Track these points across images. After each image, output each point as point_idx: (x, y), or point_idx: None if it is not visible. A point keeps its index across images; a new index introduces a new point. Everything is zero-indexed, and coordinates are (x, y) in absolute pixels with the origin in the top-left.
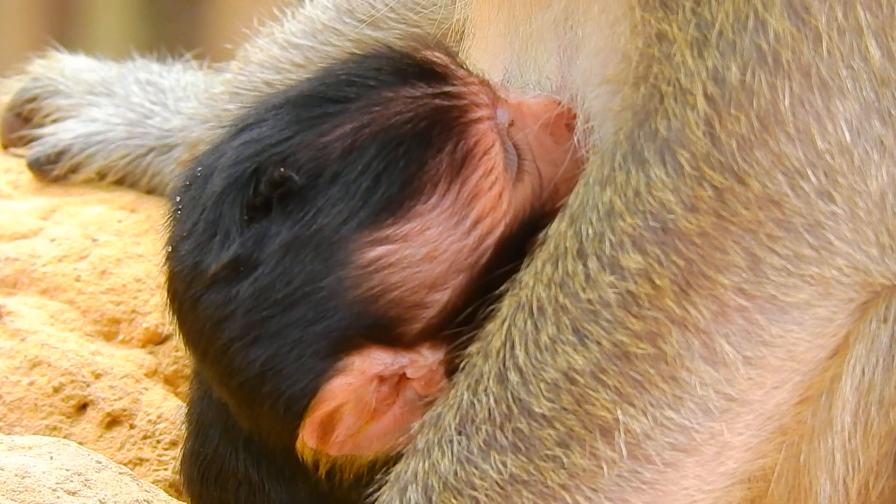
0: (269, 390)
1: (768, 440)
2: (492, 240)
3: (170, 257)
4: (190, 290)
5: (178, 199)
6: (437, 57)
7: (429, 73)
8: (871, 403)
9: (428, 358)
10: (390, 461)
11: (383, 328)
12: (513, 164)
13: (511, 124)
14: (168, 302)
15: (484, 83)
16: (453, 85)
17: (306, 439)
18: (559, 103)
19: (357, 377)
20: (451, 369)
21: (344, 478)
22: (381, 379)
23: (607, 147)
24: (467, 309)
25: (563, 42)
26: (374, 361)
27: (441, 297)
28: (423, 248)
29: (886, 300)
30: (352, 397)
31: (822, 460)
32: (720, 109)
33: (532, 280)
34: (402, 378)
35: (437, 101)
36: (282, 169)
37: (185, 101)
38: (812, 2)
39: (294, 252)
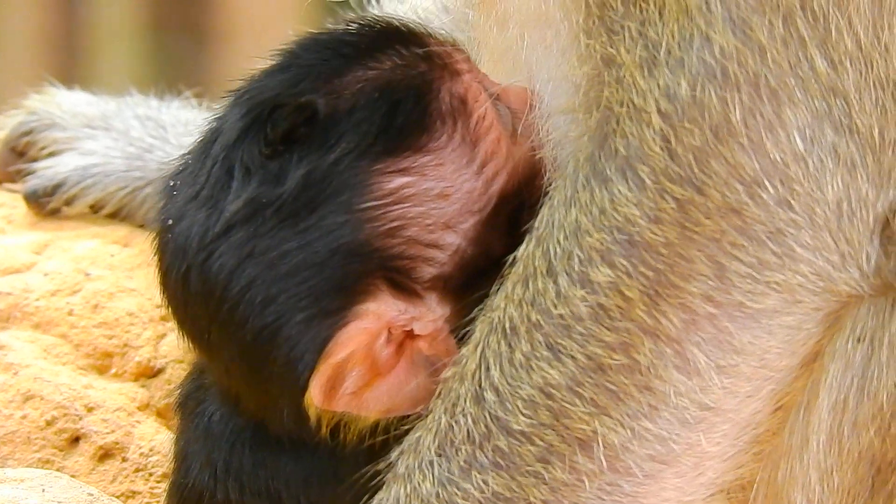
0: (285, 336)
1: (746, 450)
2: (497, 187)
3: (171, 228)
4: (202, 244)
5: (171, 182)
6: (413, 23)
7: (409, 35)
8: (844, 424)
9: (436, 311)
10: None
11: (399, 270)
12: (507, 121)
13: (497, 98)
14: (164, 278)
15: (457, 48)
16: (432, 45)
17: (314, 393)
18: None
19: (373, 321)
20: (455, 333)
21: (346, 442)
22: (390, 334)
23: (569, 170)
24: (471, 271)
25: (524, 70)
26: (388, 307)
27: (454, 241)
28: (440, 184)
29: (863, 320)
30: (364, 344)
31: (799, 480)
32: (675, 125)
33: (503, 302)
34: (408, 336)
35: (425, 55)
36: (302, 99)
37: (188, 137)
38: (752, 16)
39: (317, 182)
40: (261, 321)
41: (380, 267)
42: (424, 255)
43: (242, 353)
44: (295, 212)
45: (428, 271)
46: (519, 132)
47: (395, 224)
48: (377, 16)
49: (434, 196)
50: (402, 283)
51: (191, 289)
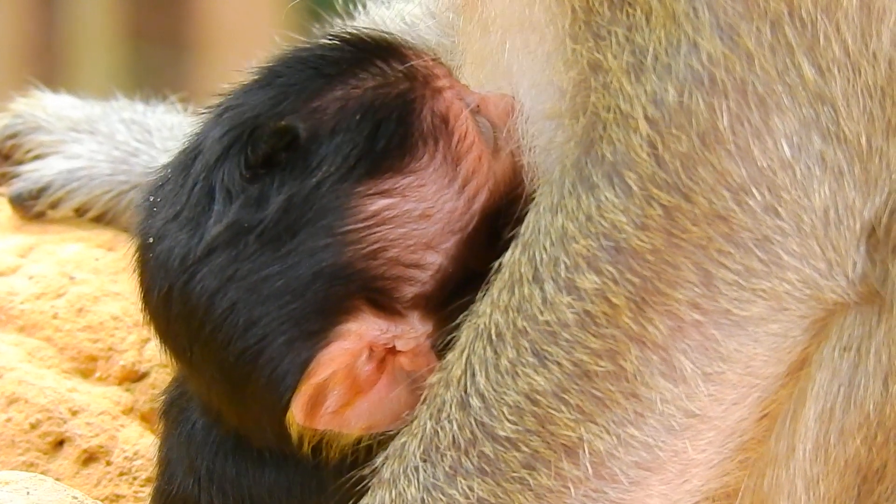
0: (267, 358)
1: (731, 458)
2: (478, 205)
3: (152, 247)
4: (184, 266)
5: (152, 197)
6: (391, 36)
7: (389, 50)
8: (831, 432)
9: (418, 329)
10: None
11: (381, 290)
12: (489, 135)
13: (478, 110)
14: (147, 296)
15: (438, 61)
16: (412, 59)
17: (296, 412)
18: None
19: (354, 342)
20: (437, 348)
21: (329, 458)
22: (371, 351)
23: (555, 176)
24: (453, 286)
25: (506, 75)
26: (370, 326)
27: (435, 260)
28: (421, 205)
29: (849, 329)
30: (346, 364)
31: (785, 488)
32: (662, 131)
33: (489, 308)
34: (389, 352)
35: (405, 72)
36: (283, 122)
37: (173, 141)
38: (740, 23)
39: (299, 206)
40: (243, 343)
41: (361, 288)
42: (406, 276)
43: (224, 373)
44: (276, 236)
45: (409, 290)
46: (500, 145)
47: (376, 246)
48: (358, 29)
49: (415, 217)
50: (384, 303)
51: (172, 309)
